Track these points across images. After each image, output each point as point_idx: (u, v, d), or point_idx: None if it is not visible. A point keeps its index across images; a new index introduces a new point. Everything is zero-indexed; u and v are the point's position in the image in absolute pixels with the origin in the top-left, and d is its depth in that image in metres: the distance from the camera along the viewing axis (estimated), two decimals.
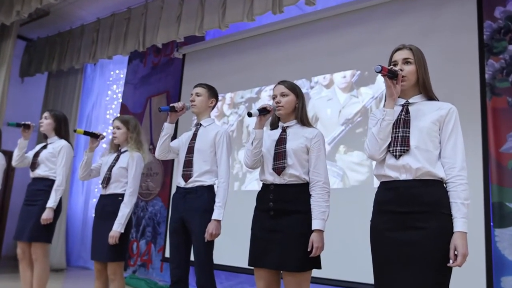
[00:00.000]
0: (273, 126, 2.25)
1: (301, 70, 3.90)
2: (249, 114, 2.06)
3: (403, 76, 1.71)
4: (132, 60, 5.64)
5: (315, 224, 1.99)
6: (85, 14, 5.33)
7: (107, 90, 6.01)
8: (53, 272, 5.17)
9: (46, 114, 3.24)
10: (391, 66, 1.71)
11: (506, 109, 2.93)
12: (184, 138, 2.62)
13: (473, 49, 3.05)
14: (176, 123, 4.62)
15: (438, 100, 1.77)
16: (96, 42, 5.12)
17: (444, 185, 1.65)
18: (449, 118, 1.68)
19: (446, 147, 1.66)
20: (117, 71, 5.97)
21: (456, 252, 1.54)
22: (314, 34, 3.90)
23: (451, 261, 1.54)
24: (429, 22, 3.27)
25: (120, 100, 5.69)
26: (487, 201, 2.84)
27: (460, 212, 1.58)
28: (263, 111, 2.09)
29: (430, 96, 1.77)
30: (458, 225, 1.57)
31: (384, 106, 1.72)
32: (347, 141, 3.51)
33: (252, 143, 2.10)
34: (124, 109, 5.55)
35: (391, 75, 1.67)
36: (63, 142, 3.18)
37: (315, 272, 2.04)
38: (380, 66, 1.63)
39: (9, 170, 5.58)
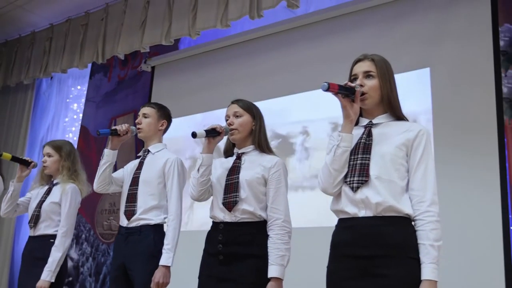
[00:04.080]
0: (228, 154, 2.35)
1: (297, 82, 3.94)
2: (193, 135, 2.12)
3: (363, 93, 1.76)
4: (94, 74, 5.75)
5: (272, 271, 2.05)
6: (36, 19, 5.51)
7: (66, 109, 6.09)
8: None
9: None
10: (346, 82, 1.75)
11: None
12: (129, 167, 2.73)
13: (487, 57, 3.13)
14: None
15: (407, 120, 1.84)
16: (48, 52, 5.29)
17: (413, 223, 1.71)
18: (418, 142, 1.73)
19: (415, 177, 1.72)
20: (79, 87, 6.05)
21: None
22: (309, 39, 3.97)
23: None
24: (437, 26, 3.38)
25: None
26: (508, 243, 2.85)
27: (429, 256, 1.62)
28: (212, 133, 2.18)
29: (397, 115, 1.83)
30: (426, 272, 1.61)
31: (340, 130, 1.76)
32: None
33: (198, 169, 2.19)
34: (84, 132, 5.63)
35: (346, 92, 1.72)
36: None
37: None
38: (327, 83, 1.65)
39: None
